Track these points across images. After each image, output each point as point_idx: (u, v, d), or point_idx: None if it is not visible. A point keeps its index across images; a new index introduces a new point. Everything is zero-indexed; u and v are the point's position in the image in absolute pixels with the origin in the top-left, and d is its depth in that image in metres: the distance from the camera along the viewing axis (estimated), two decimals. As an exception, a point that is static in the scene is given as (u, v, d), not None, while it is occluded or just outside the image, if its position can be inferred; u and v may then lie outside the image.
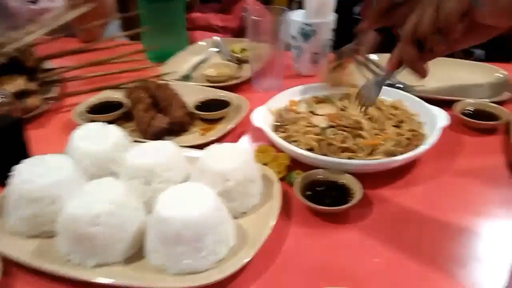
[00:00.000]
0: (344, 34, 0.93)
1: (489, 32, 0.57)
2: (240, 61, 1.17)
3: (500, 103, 0.90)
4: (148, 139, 0.83)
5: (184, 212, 0.55)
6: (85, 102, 0.95)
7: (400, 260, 0.58)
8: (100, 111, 0.92)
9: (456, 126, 0.86)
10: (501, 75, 1.02)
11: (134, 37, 1.27)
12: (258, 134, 0.85)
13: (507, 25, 0.54)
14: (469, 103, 0.90)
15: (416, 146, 0.76)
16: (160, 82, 1.00)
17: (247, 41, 1.04)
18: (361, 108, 0.70)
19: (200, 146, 0.78)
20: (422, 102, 0.85)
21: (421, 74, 0.60)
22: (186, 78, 1.12)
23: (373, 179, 0.71)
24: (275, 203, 0.64)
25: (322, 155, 0.73)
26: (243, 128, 0.90)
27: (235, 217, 0.63)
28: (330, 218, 0.65)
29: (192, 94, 0.97)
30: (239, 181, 0.63)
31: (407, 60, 0.59)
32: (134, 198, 0.61)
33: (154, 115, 0.87)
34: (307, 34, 1.06)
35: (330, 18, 1.06)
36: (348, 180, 0.68)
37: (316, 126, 0.80)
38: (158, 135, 0.84)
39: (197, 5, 1.69)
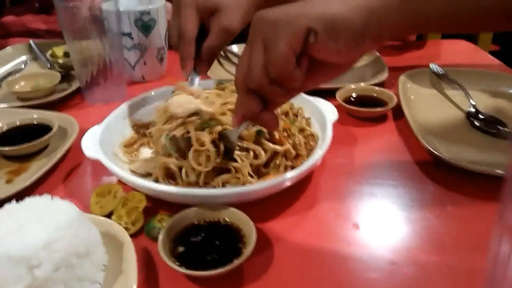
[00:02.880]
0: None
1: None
2: (65, 68, 0.88)
3: (381, 85, 0.80)
4: None
5: None
6: None
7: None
8: None
9: (342, 117, 0.71)
10: (375, 56, 0.92)
11: None
12: (100, 168, 0.59)
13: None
14: (351, 89, 0.77)
15: (310, 150, 0.60)
16: None
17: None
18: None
19: (5, 201, 0.50)
20: (302, 95, 0.69)
21: (270, 127, 0.48)
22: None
23: (264, 206, 0.52)
24: (129, 281, 0.40)
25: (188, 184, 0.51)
26: (75, 161, 0.63)
27: (63, 321, 0.38)
28: (218, 281, 0.44)
29: (-10, 122, 0.66)
30: (59, 263, 0.37)
31: (248, 115, 0.44)
32: None
33: None
34: (147, 25, 0.83)
35: (163, 1, 0.85)
36: (234, 217, 0.48)
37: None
38: None
39: (7, 7, 1.34)
